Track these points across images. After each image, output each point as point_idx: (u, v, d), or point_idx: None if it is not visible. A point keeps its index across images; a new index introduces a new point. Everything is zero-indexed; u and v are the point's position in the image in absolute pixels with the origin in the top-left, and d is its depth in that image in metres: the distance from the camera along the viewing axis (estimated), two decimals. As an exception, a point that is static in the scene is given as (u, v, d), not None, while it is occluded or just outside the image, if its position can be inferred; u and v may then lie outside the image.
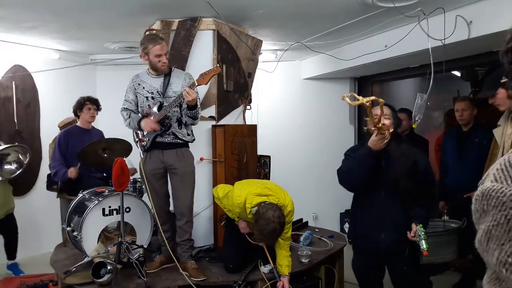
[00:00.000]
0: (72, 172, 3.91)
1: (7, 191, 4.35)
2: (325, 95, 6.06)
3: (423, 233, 2.52)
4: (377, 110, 2.35)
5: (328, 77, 5.85)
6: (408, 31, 3.67)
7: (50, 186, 4.44)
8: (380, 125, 2.35)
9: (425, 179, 2.68)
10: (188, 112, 3.10)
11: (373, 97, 2.05)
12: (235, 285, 2.95)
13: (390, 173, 2.57)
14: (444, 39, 3.38)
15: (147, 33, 3.72)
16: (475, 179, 3.45)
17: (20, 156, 4.22)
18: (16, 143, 4.37)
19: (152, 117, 3.17)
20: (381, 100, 2.16)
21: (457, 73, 5.20)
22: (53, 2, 3.47)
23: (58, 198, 4.32)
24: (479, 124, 3.77)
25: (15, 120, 5.02)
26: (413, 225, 2.59)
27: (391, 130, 2.53)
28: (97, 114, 4.28)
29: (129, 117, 3.30)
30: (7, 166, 4.16)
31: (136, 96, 3.29)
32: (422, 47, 3.67)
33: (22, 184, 4.78)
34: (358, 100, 1.99)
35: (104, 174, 4.18)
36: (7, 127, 4.92)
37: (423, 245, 2.47)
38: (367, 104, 2.02)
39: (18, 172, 4.23)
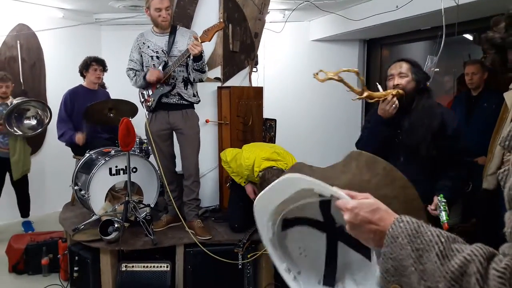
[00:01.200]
0: (80, 138, 3.93)
1: (26, 152, 4.39)
2: (333, 57, 5.94)
3: (443, 204, 2.24)
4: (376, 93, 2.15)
5: (337, 39, 5.72)
6: (421, -9, 3.55)
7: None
8: (366, 94, 2.10)
9: (454, 144, 2.27)
10: (195, 64, 3.05)
11: (342, 69, 1.91)
12: (239, 244, 3.01)
13: (410, 137, 2.24)
14: (458, -1, 3.26)
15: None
16: (483, 144, 3.43)
17: (39, 112, 4.22)
18: (35, 99, 4.35)
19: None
20: (354, 69, 1.98)
21: (469, 37, 5.05)
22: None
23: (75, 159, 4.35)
24: (489, 89, 3.71)
25: (21, 80, 5.00)
26: (435, 197, 2.26)
27: (394, 93, 2.20)
28: (103, 75, 4.24)
29: (135, 75, 3.28)
30: (26, 121, 4.16)
31: (141, 56, 3.25)
32: (434, 7, 3.55)
33: (31, 143, 4.81)
34: (327, 75, 1.86)
35: (111, 135, 4.20)
36: (13, 87, 4.90)
37: (443, 217, 2.21)
38: (337, 78, 1.88)
39: (40, 129, 4.23)
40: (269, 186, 1.03)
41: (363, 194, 0.95)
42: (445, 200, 2.25)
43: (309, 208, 1.11)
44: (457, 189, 2.35)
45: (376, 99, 2.17)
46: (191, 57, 2.99)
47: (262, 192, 1.05)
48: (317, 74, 1.87)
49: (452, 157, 2.27)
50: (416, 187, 2.17)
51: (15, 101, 4.08)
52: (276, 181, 1.01)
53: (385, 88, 2.30)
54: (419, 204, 1.19)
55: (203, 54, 3.04)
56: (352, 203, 0.92)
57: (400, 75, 2.27)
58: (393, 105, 2.19)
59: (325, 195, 1.00)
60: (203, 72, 3.13)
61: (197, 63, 3.03)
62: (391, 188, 1.18)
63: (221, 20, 3.07)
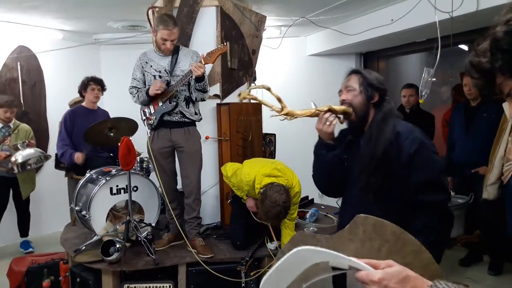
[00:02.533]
0: (79, 158, 3.94)
1: (32, 171, 4.46)
2: (330, 71, 5.98)
3: None
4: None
5: (334, 53, 5.77)
6: (415, 4, 3.60)
7: (58, 165, 4.49)
8: (286, 111, 1.87)
9: (413, 175, 1.74)
10: (197, 84, 3.07)
11: (253, 86, 1.85)
12: (242, 261, 2.99)
13: (357, 164, 1.85)
14: (452, 11, 3.30)
15: (150, 11, 3.68)
16: (483, 154, 3.45)
17: (41, 157, 4.29)
18: (42, 152, 4.38)
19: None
20: (264, 86, 1.82)
21: (464, 47, 5.10)
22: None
23: (66, 178, 4.38)
24: (488, 99, 3.72)
25: (22, 101, 5.04)
26: None
27: (326, 109, 1.88)
28: (102, 94, 4.27)
29: (137, 92, 3.29)
30: (27, 167, 4.23)
31: (144, 75, 3.28)
32: (429, 20, 3.59)
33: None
34: (241, 96, 1.78)
35: (111, 154, 4.21)
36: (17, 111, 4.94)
37: None
38: (249, 97, 1.79)
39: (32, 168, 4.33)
40: (276, 264, 0.87)
41: (386, 262, 0.86)
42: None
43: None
44: (433, 244, 1.47)
45: (299, 116, 1.87)
46: (193, 77, 3.02)
47: (268, 273, 0.88)
48: (239, 95, 1.79)
49: (413, 196, 1.75)
50: None
51: (20, 147, 4.11)
52: (284, 257, 0.86)
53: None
54: (436, 268, 1.10)
55: (205, 75, 3.07)
56: (379, 274, 0.82)
57: (347, 89, 1.93)
58: (328, 123, 1.86)
59: (342, 267, 0.87)
60: (205, 92, 3.16)
61: (199, 84, 3.05)
62: (403, 254, 1.10)
63: (224, 43, 3.10)
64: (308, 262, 0.88)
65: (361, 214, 1.17)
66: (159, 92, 3.11)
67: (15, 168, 4.08)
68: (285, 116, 1.88)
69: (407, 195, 1.76)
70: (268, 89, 1.80)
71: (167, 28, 3.07)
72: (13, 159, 4.01)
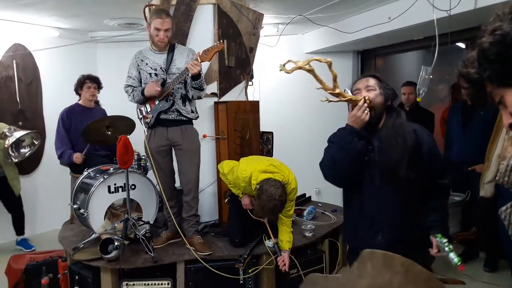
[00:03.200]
0: (78, 158, 3.93)
1: (15, 169, 4.48)
2: (327, 69, 5.98)
3: (446, 244, 1.94)
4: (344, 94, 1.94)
5: (331, 50, 5.77)
6: (412, 3, 3.60)
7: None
8: (338, 91, 1.90)
9: (431, 164, 2.04)
10: (193, 83, 3.07)
11: (312, 58, 1.74)
12: (240, 259, 3.00)
13: (384, 158, 1.99)
14: (450, 9, 3.31)
15: (146, 8, 3.67)
16: (480, 152, 3.47)
17: (34, 141, 4.30)
18: (30, 130, 4.42)
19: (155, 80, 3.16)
20: (326, 60, 1.79)
21: (461, 45, 5.12)
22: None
23: (70, 175, 4.36)
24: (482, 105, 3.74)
25: (18, 100, 5.02)
26: (432, 239, 2.01)
27: (367, 99, 1.99)
28: (98, 92, 4.26)
29: (133, 90, 3.29)
30: (22, 150, 4.25)
31: (139, 73, 3.27)
32: (426, 18, 3.60)
33: (28, 163, 4.82)
34: (295, 65, 1.68)
35: (108, 152, 4.20)
36: (10, 107, 4.92)
37: (454, 258, 1.87)
38: (307, 67, 1.70)
39: (29, 153, 4.31)
40: None
41: None
42: (446, 239, 1.97)
43: None
44: (447, 222, 2.09)
45: (349, 98, 1.96)
46: (190, 75, 3.01)
47: None
48: (284, 65, 1.70)
49: (431, 181, 2.06)
50: (392, 212, 2.01)
51: (7, 132, 4.10)
52: None
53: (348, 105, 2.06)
54: None
55: (201, 73, 3.06)
56: None
57: (367, 89, 2.06)
58: (366, 112, 1.97)
59: None
60: (202, 90, 3.15)
61: (196, 82, 3.05)
62: (415, 285, 1.11)
63: (221, 41, 3.10)
64: None
65: (367, 249, 1.19)
66: (155, 94, 3.12)
67: (10, 152, 4.07)
68: (334, 97, 1.94)
69: (427, 181, 2.04)
70: (330, 64, 1.81)
71: (159, 17, 3.08)
72: (5, 145, 3.99)
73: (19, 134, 4.13)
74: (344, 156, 2.01)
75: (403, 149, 1.95)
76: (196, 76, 3.01)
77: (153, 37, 3.15)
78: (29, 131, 4.27)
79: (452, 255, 1.90)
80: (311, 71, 1.74)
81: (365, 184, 2.08)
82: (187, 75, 3.02)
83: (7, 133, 4.09)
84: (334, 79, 1.88)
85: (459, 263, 1.87)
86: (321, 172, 2.15)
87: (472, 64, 0.81)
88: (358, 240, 2.17)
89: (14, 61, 4.98)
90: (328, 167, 2.10)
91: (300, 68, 1.69)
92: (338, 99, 1.94)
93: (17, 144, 4.16)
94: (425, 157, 2.01)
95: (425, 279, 1.14)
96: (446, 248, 1.93)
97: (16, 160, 4.20)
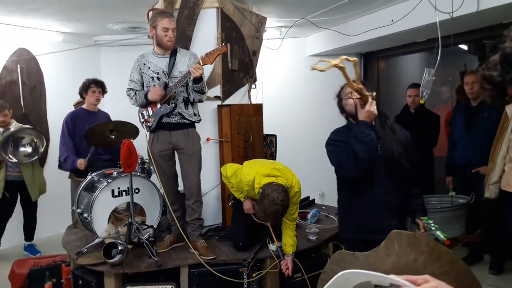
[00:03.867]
0: (81, 163, 3.93)
1: (39, 172, 4.51)
2: (331, 71, 5.89)
3: (432, 224, 2.28)
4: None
5: (334, 53, 5.75)
6: (415, 5, 3.60)
7: (61, 165, 4.48)
8: (360, 86, 2.10)
9: (415, 157, 2.36)
10: (194, 86, 3.07)
11: (343, 57, 1.89)
12: (244, 263, 2.99)
13: (388, 151, 2.26)
14: (452, 12, 3.30)
15: (150, 13, 3.68)
16: (484, 154, 3.44)
17: (35, 139, 4.28)
18: (30, 127, 4.44)
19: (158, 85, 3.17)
20: (353, 58, 1.94)
21: (464, 47, 5.11)
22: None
23: (70, 179, 4.37)
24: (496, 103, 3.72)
25: (22, 104, 5.04)
26: (419, 221, 2.36)
27: (374, 94, 2.23)
28: (102, 97, 4.27)
29: (135, 94, 3.30)
30: (22, 149, 4.23)
31: (142, 76, 3.28)
32: (429, 20, 3.59)
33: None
34: (328, 63, 1.85)
35: (112, 156, 4.21)
36: (14, 111, 4.91)
37: (440, 236, 2.21)
38: (341, 65, 1.84)
39: (36, 156, 4.31)
40: (325, 286, 0.98)
41: (423, 277, 0.94)
42: (431, 221, 2.30)
43: None
44: (425, 204, 2.51)
45: (365, 94, 2.17)
46: (191, 79, 3.02)
47: None
48: (316, 64, 1.83)
49: (415, 169, 2.34)
50: (399, 199, 2.34)
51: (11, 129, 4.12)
52: (331, 280, 0.97)
53: (343, 109, 2.46)
54: (472, 276, 1.20)
55: (203, 76, 3.07)
56: None
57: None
58: (375, 106, 2.21)
59: (384, 285, 0.96)
60: (203, 93, 3.15)
61: (197, 85, 3.05)
62: (438, 264, 1.18)
63: (223, 44, 3.10)
64: (352, 282, 0.98)
65: (395, 230, 1.28)
66: (158, 99, 3.14)
67: (8, 152, 4.06)
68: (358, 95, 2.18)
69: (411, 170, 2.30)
70: (355, 63, 1.97)
71: (165, 17, 3.11)
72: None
73: (14, 130, 4.12)
74: (365, 148, 2.18)
75: (401, 143, 2.28)
76: (198, 80, 3.01)
77: (161, 38, 3.14)
78: (26, 127, 4.27)
79: (438, 233, 2.23)
80: (342, 68, 1.89)
81: (374, 175, 2.29)
82: (189, 78, 3.02)
83: (11, 128, 4.11)
84: (358, 76, 2.10)
85: (445, 238, 2.19)
86: (336, 169, 2.36)
87: (494, 67, 0.84)
88: (369, 230, 2.24)
89: (18, 66, 5.01)
90: (348, 160, 2.23)
91: (334, 66, 1.85)
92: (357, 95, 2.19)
93: (16, 141, 4.15)
94: (412, 151, 2.35)
95: (449, 259, 1.21)
96: (433, 228, 2.25)
97: (15, 160, 4.18)
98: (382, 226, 2.12)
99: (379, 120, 2.30)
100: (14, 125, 4.33)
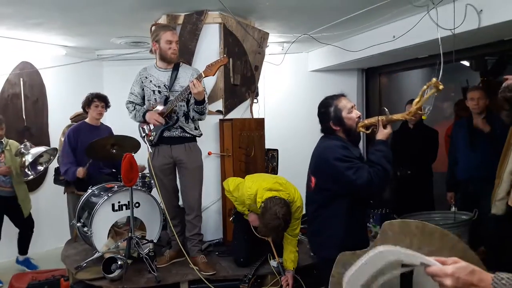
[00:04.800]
0: (80, 172, 3.91)
1: (26, 190, 4.47)
2: (332, 87, 5.87)
3: None
4: None
5: (335, 68, 5.79)
6: (417, 21, 3.62)
7: (57, 179, 4.47)
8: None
9: None
10: (196, 107, 3.09)
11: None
12: (245, 279, 2.95)
13: None
14: (454, 28, 3.31)
15: (153, 27, 3.71)
16: (487, 170, 3.41)
17: (51, 157, 4.34)
18: (49, 147, 4.49)
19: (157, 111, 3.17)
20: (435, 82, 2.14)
21: (465, 63, 5.13)
22: (58, -2, 3.47)
23: (65, 194, 4.35)
24: (491, 114, 3.72)
25: (24, 117, 5.05)
26: None
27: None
28: (105, 111, 4.27)
29: (134, 109, 3.31)
30: (39, 167, 4.27)
31: (143, 90, 3.29)
32: (431, 37, 3.60)
33: (32, 180, 4.80)
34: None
35: (113, 170, 4.19)
36: (16, 124, 4.94)
37: None
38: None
39: (42, 170, 4.35)
40: (362, 260, 1.06)
41: (452, 258, 1.01)
42: None
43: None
44: None
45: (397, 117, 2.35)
46: (192, 96, 3.03)
47: (353, 269, 1.09)
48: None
49: None
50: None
51: (23, 150, 4.13)
52: (367, 256, 1.06)
53: (339, 121, 2.38)
54: (463, 245, 1.27)
55: (205, 99, 3.08)
56: (451, 269, 0.97)
57: (355, 107, 2.44)
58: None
59: (414, 264, 1.03)
60: (202, 114, 3.18)
61: (198, 107, 3.07)
62: (431, 242, 1.25)
63: (225, 55, 3.12)
64: (385, 260, 1.06)
65: (386, 221, 1.38)
66: (156, 124, 3.15)
67: (27, 171, 4.07)
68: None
69: None
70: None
71: (168, 30, 3.14)
72: (23, 162, 4.01)
73: (36, 150, 4.13)
74: (391, 167, 2.27)
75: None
76: (200, 102, 3.02)
77: (165, 51, 3.15)
78: (47, 148, 4.31)
79: None
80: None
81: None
82: (190, 94, 3.03)
83: (23, 150, 4.10)
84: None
85: None
86: (360, 186, 2.19)
87: None
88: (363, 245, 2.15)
89: (21, 79, 5.03)
90: (381, 180, 2.23)
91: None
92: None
93: (35, 161, 4.16)
94: None
95: (440, 236, 1.28)
96: None
97: (30, 178, 4.20)
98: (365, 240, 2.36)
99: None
100: (3, 139, 4.30)
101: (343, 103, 2.39)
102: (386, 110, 2.35)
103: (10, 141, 4.37)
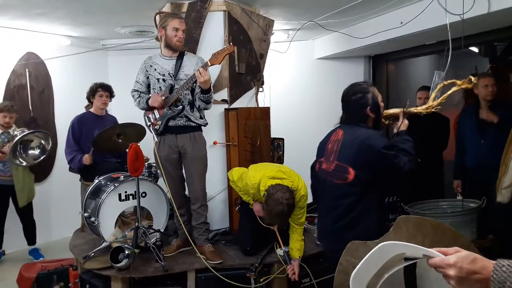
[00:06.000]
0: (86, 159, 3.92)
1: (30, 179, 4.44)
2: (339, 75, 5.94)
3: None
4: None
5: (342, 56, 5.73)
6: (425, 7, 3.55)
7: (72, 168, 4.47)
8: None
9: None
10: (202, 96, 3.07)
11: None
12: (251, 267, 2.96)
13: None
14: (463, 13, 3.25)
15: (157, 16, 3.68)
16: (495, 157, 3.39)
17: (43, 142, 4.30)
18: (38, 129, 4.45)
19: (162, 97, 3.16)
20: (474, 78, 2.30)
21: (474, 49, 5.05)
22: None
23: (80, 182, 4.36)
24: (499, 102, 3.66)
25: (30, 107, 5.07)
26: None
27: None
28: (110, 101, 4.26)
29: (139, 96, 3.31)
30: (31, 152, 4.24)
31: (148, 78, 3.28)
32: (439, 23, 3.54)
33: (40, 170, 4.84)
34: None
35: (119, 160, 4.20)
36: (22, 114, 4.95)
37: None
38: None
39: (42, 157, 4.30)
40: (364, 259, 1.05)
41: (454, 248, 1.01)
42: None
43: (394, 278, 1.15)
44: None
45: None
46: (199, 85, 3.01)
47: (357, 267, 1.08)
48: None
49: None
50: None
51: (17, 134, 4.12)
52: (370, 252, 1.05)
53: (377, 108, 2.33)
54: (474, 250, 1.26)
55: (211, 88, 3.06)
56: (454, 258, 0.98)
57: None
58: None
59: (417, 257, 1.04)
60: (209, 103, 3.16)
61: (205, 95, 3.06)
62: (444, 243, 1.23)
63: (231, 43, 3.09)
64: (388, 255, 1.05)
65: (403, 216, 1.35)
66: (158, 107, 3.15)
67: (18, 153, 4.04)
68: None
69: None
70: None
71: (176, 17, 3.12)
72: (13, 142, 3.99)
73: (25, 133, 4.14)
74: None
75: None
76: (206, 90, 3.01)
77: (171, 38, 3.13)
78: (35, 130, 4.29)
79: None
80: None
81: None
82: (195, 82, 3.01)
83: (16, 134, 4.11)
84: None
85: None
86: (406, 172, 2.17)
87: None
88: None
89: (26, 70, 5.03)
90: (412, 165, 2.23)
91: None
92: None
93: (25, 145, 4.16)
94: None
95: (453, 236, 1.29)
96: None
97: (25, 163, 4.18)
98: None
99: None
100: (13, 129, 4.32)
101: (377, 91, 2.36)
102: (409, 102, 2.48)
103: (18, 129, 4.37)
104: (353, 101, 2.34)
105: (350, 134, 2.30)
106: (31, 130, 4.27)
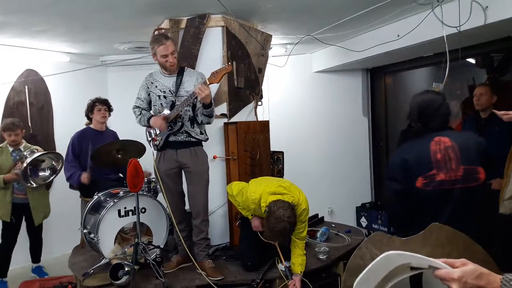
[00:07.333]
0: (84, 178, 3.89)
1: (45, 196, 4.42)
2: (337, 87, 5.98)
3: None
4: None
5: (340, 69, 5.76)
6: (421, 20, 3.58)
7: (72, 185, 4.44)
8: None
9: None
10: (204, 110, 3.07)
11: None
12: (253, 283, 2.93)
13: None
14: (459, 26, 3.28)
15: (156, 32, 3.70)
16: (496, 167, 3.36)
17: (54, 163, 4.26)
18: (50, 151, 4.42)
19: (162, 116, 3.17)
20: None
21: (471, 60, 5.07)
22: (59, 6, 3.46)
23: (80, 198, 4.33)
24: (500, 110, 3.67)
25: (29, 124, 5.06)
26: None
27: None
28: (109, 115, 4.26)
29: (140, 113, 3.31)
30: (41, 173, 4.21)
31: (149, 95, 3.30)
32: (436, 35, 3.57)
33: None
34: None
35: (120, 175, 4.19)
36: (23, 133, 4.95)
37: None
38: None
39: (52, 178, 4.27)
40: (368, 267, 1.05)
41: (461, 261, 1.00)
42: None
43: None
44: None
45: None
46: (200, 101, 3.02)
47: (362, 274, 1.07)
48: None
49: None
50: None
51: (27, 155, 4.08)
52: (375, 260, 1.04)
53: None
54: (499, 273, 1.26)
55: (212, 101, 3.07)
56: (458, 273, 0.97)
57: None
58: None
59: (422, 267, 1.03)
60: (211, 117, 3.17)
61: (206, 110, 3.06)
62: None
63: (229, 63, 3.11)
64: (393, 264, 1.04)
65: (436, 223, 1.34)
66: (156, 127, 3.19)
67: (28, 173, 4.01)
68: None
69: None
70: None
71: (160, 44, 3.10)
72: (24, 165, 3.94)
73: (37, 154, 4.11)
74: None
75: None
76: (208, 105, 3.01)
77: (163, 64, 3.16)
78: (46, 152, 4.26)
79: None
80: None
81: None
82: (195, 98, 3.02)
83: (26, 155, 4.09)
84: None
85: None
86: None
87: None
88: None
89: (26, 86, 5.05)
90: None
91: None
92: None
93: (35, 165, 4.14)
94: None
95: (483, 259, 1.25)
96: None
97: (36, 184, 4.15)
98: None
99: None
100: (23, 146, 4.31)
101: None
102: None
103: (33, 147, 4.35)
104: (441, 108, 2.43)
105: (458, 138, 2.32)
106: (43, 152, 4.24)
